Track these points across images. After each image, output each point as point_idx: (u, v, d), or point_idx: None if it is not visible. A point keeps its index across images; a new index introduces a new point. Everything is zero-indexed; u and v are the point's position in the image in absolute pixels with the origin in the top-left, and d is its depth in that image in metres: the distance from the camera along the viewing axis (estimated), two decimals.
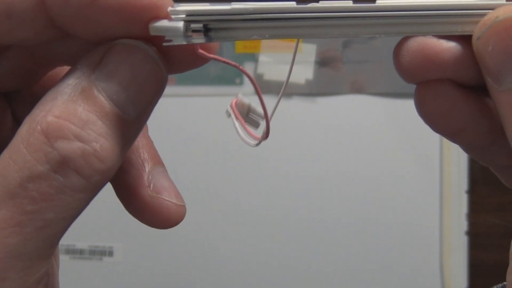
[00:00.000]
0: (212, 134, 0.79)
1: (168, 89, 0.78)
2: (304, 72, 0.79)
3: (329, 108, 0.80)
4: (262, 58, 0.80)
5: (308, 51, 0.79)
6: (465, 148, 0.22)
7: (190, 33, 0.19)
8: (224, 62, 0.21)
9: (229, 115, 0.23)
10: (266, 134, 0.23)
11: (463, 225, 0.77)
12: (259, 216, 0.80)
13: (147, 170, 0.22)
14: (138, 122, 0.19)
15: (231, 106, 0.23)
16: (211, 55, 0.20)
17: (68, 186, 0.17)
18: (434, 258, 0.78)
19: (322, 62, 0.80)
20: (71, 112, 0.17)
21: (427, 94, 0.20)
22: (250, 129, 0.23)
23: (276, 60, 0.80)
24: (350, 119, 0.80)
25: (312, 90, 0.80)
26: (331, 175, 0.80)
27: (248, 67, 0.80)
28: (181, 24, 0.19)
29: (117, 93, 0.18)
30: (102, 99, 0.18)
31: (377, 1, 0.19)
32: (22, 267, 0.17)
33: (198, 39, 0.19)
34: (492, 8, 0.19)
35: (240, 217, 0.80)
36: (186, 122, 0.80)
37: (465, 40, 0.19)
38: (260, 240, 0.80)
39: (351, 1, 0.19)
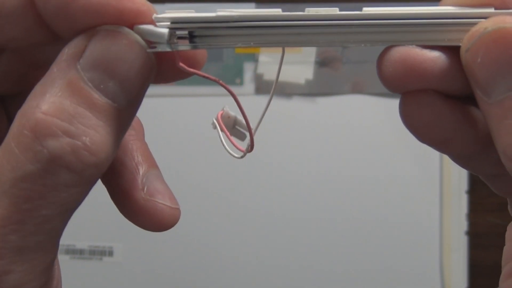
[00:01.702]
0: (212, 134, 0.79)
1: (168, 89, 0.78)
2: (304, 72, 0.79)
3: (329, 108, 0.80)
4: (262, 58, 0.80)
5: (308, 51, 0.79)
6: (452, 157, 0.21)
7: (175, 40, 0.19)
8: (204, 77, 0.20)
9: (215, 127, 0.23)
10: (250, 147, 0.23)
11: (463, 225, 0.77)
12: (259, 216, 0.80)
13: (141, 173, 0.22)
14: (129, 110, 0.19)
15: (216, 118, 0.23)
16: (191, 70, 0.20)
17: (61, 183, 0.17)
18: (434, 258, 0.78)
19: (322, 62, 0.80)
20: (59, 107, 0.17)
21: (411, 104, 0.19)
22: (237, 141, 0.23)
23: (276, 60, 0.79)
24: (350, 119, 0.80)
25: (312, 90, 0.80)
26: (331, 175, 0.80)
27: (248, 67, 0.80)
28: (166, 30, 0.18)
29: (104, 81, 0.18)
30: (89, 90, 0.17)
31: (363, 9, 0.19)
32: (25, 260, 0.17)
33: (183, 46, 0.19)
34: (479, 17, 0.18)
35: (240, 217, 0.80)
36: (186, 122, 0.80)
37: (449, 50, 0.19)
38: (260, 241, 0.80)
39: (337, 9, 0.19)
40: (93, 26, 0.18)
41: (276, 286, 0.80)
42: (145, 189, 0.21)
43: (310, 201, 0.80)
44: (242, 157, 0.23)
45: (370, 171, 0.79)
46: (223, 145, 0.23)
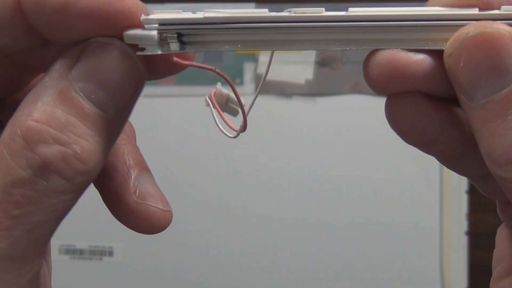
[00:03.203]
0: (212, 134, 0.79)
1: (168, 89, 0.78)
2: (304, 72, 0.79)
3: (329, 108, 0.80)
4: (262, 58, 0.80)
5: (308, 51, 0.79)
6: (439, 158, 0.22)
7: (164, 42, 0.19)
8: (200, 67, 0.21)
9: (208, 104, 0.23)
10: (243, 127, 0.23)
11: (463, 225, 0.77)
12: (259, 217, 0.80)
13: (133, 176, 0.22)
14: (118, 120, 0.19)
15: (209, 96, 0.23)
16: (186, 62, 0.20)
17: (51, 189, 0.17)
18: (434, 258, 0.78)
19: (322, 62, 0.80)
20: (50, 115, 0.17)
21: (396, 105, 0.20)
22: (230, 118, 0.24)
23: (276, 60, 0.79)
24: (350, 119, 0.80)
25: (312, 90, 0.80)
26: (331, 175, 0.80)
27: (248, 67, 0.80)
28: (155, 33, 0.18)
29: (95, 92, 0.18)
30: (80, 99, 0.18)
31: (349, 9, 0.19)
32: (13, 268, 0.17)
33: (172, 49, 0.19)
34: (464, 19, 0.18)
35: (240, 218, 0.80)
36: (186, 122, 0.80)
37: (434, 53, 0.19)
38: (261, 241, 0.80)
39: (323, 9, 0.19)
40: (85, 31, 0.18)
41: (277, 286, 0.80)
42: (137, 192, 0.22)
43: (310, 201, 0.80)
44: (235, 136, 0.23)
45: (370, 171, 0.79)
46: (216, 123, 0.23)
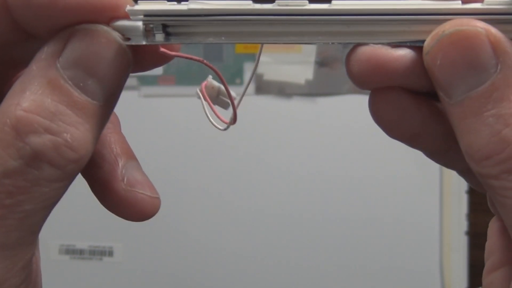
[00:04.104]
0: (213, 133, 0.79)
1: (168, 89, 0.78)
2: (304, 72, 0.79)
3: (329, 108, 0.80)
4: (262, 58, 0.80)
5: (308, 51, 0.79)
6: (425, 153, 0.22)
7: (150, 33, 0.19)
8: (187, 58, 0.21)
9: (199, 97, 0.24)
10: (233, 120, 0.23)
11: (463, 225, 0.77)
12: (260, 216, 0.80)
13: (120, 164, 0.22)
14: (107, 106, 0.19)
15: (200, 88, 0.23)
16: (173, 53, 0.20)
17: (43, 178, 0.17)
18: (434, 258, 0.78)
19: (322, 62, 0.80)
20: (39, 104, 0.17)
21: (379, 101, 0.20)
22: (220, 111, 0.24)
23: (276, 60, 0.80)
24: (350, 119, 0.80)
25: (312, 90, 0.80)
26: (331, 175, 0.80)
27: (248, 67, 0.80)
28: (140, 24, 0.19)
29: (83, 80, 0.18)
30: (69, 87, 0.18)
31: (332, 2, 0.19)
32: (6, 256, 0.18)
33: (157, 40, 0.19)
34: (446, 13, 0.18)
35: (240, 218, 0.80)
36: (186, 122, 0.80)
37: (415, 48, 0.19)
38: (261, 241, 0.80)
39: (306, 1, 0.19)
40: (71, 25, 0.18)
41: (277, 286, 0.80)
42: (125, 179, 0.22)
43: (310, 202, 0.80)
44: (225, 129, 0.23)
45: (370, 171, 0.79)
46: (207, 116, 0.24)
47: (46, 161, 0.17)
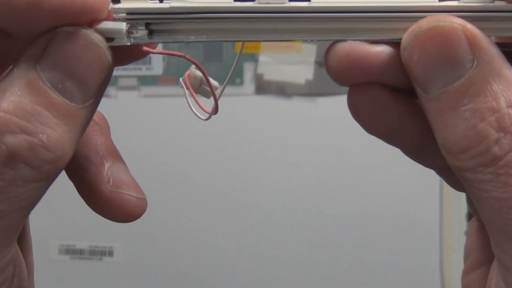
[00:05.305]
0: (213, 133, 0.79)
1: (168, 89, 0.78)
2: (304, 72, 0.79)
3: (329, 108, 0.80)
4: (262, 58, 0.80)
5: (308, 51, 0.79)
6: (402, 150, 0.22)
7: (133, 34, 0.19)
8: (169, 54, 0.22)
9: (182, 86, 0.24)
10: (215, 110, 0.24)
11: (463, 225, 0.77)
12: (260, 216, 0.80)
13: (106, 166, 0.22)
14: (87, 109, 0.19)
15: (183, 78, 0.24)
16: (155, 50, 0.21)
17: (19, 178, 0.17)
18: (434, 258, 0.78)
19: (322, 62, 0.80)
20: (17, 105, 0.18)
21: (357, 97, 0.20)
22: (203, 100, 0.24)
23: (276, 60, 0.80)
24: (350, 119, 0.79)
25: (312, 90, 0.80)
26: (331, 175, 0.80)
27: (248, 67, 0.80)
28: (123, 26, 0.19)
29: (62, 82, 0.18)
30: (47, 89, 0.18)
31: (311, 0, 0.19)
32: None
33: (141, 39, 0.20)
34: (423, 10, 0.19)
35: (240, 218, 0.81)
36: (186, 122, 0.80)
37: (394, 44, 0.19)
38: (261, 241, 0.80)
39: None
40: (55, 27, 0.19)
41: (277, 286, 0.81)
42: (111, 181, 0.22)
43: (310, 202, 0.80)
44: (207, 119, 0.24)
45: (370, 171, 0.79)
46: (189, 106, 0.24)
47: (22, 161, 0.17)
